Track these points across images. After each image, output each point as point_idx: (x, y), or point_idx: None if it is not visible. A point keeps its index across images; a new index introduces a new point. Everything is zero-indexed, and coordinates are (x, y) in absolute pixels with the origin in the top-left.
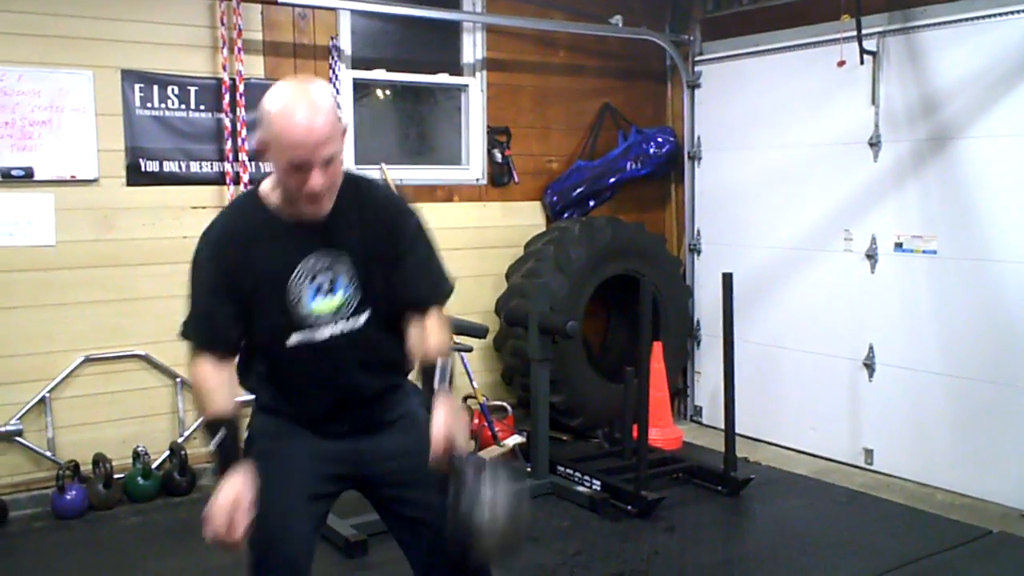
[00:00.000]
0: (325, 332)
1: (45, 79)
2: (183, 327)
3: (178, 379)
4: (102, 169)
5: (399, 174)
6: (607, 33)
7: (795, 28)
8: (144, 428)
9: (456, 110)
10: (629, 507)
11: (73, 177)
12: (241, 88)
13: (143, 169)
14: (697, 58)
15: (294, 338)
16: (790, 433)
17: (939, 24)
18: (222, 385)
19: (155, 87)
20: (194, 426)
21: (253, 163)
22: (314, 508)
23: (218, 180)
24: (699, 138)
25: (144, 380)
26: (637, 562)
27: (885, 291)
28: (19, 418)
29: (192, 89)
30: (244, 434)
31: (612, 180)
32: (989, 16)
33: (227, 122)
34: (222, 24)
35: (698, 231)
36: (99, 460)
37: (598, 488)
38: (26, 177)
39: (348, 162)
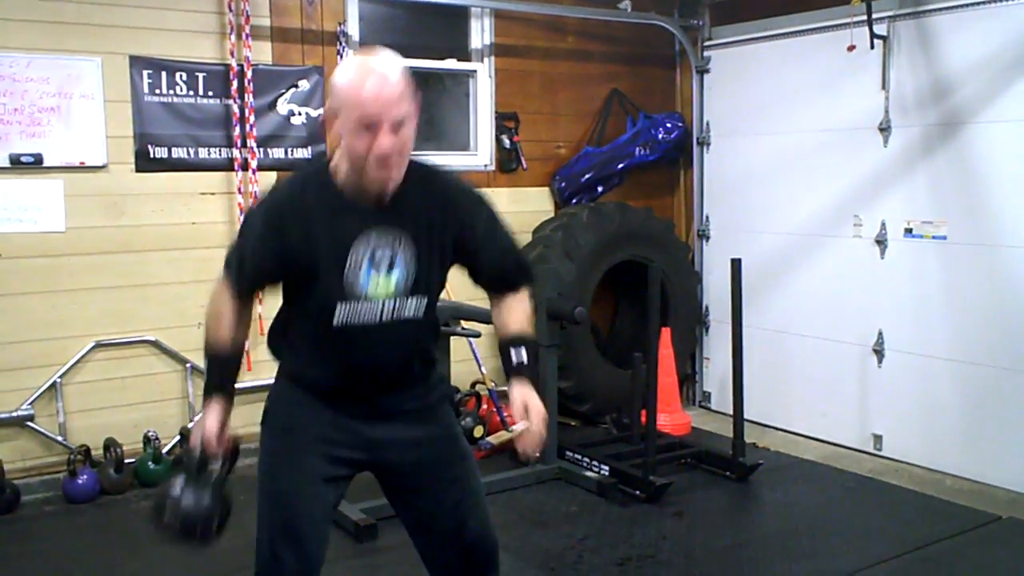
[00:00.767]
0: (374, 310)
1: (54, 66)
2: (228, 260)
3: (188, 364)
4: (111, 155)
5: None
6: (615, 18)
7: (805, 12)
8: (155, 413)
9: (464, 96)
10: (637, 492)
11: (82, 163)
12: (249, 74)
13: (152, 155)
14: (706, 43)
15: (342, 312)
16: (799, 419)
17: (950, 8)
18: (233, 321)
19: (163, 73)
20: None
21: (261, 149)
22: (327, 492)
23: (227, 166)
24: (708, 123)
25: (154, 365)
26: (645, 547)
27: (894, 277)
28: (30, 403)
29: (200, 75)
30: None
31: (620, 166)
32: (1000, 0)
33: (235, 108)
34: (230, 10)
35: (707, 217)
36: (110, 445)
37: (606, 473)
38: (35, 163)
39: None
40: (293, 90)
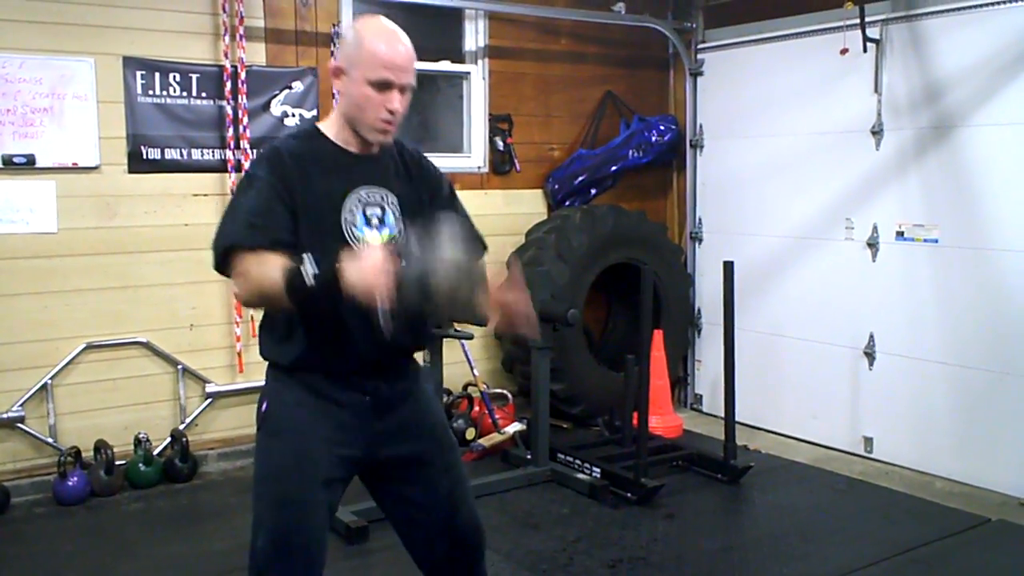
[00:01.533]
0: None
1: (47, 66)
2: (225, 236)
3: (180, 366)
4: (104, 156)
5: None
6: (609, 20)
7: (798, 15)
8: (145, 415)
9: (458, 98)
10: (629, 494)
11: (75, 164)
12: (243, 75)
13: (145, 156)
14: (699, 46)
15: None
16: (790, 421)
17: (942, 12)
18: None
19: (157, 74)
20: (196, 413)
21: (255, 151)
22: (327, 496)
23: (220, 168)
24: (701, 126)
25: (145, 367)
26: (636, 549)
27: (886, 280)
28: (21, 404)
29: (194, 76)
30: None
31: (614, 168)
32: (993, 4)
33: (229, 109)
34: (224, 11)
35: (700, 219)
36: (101, 446)
37: (598, 475)
38: (28, 164)
39: None
40: (287, 91)
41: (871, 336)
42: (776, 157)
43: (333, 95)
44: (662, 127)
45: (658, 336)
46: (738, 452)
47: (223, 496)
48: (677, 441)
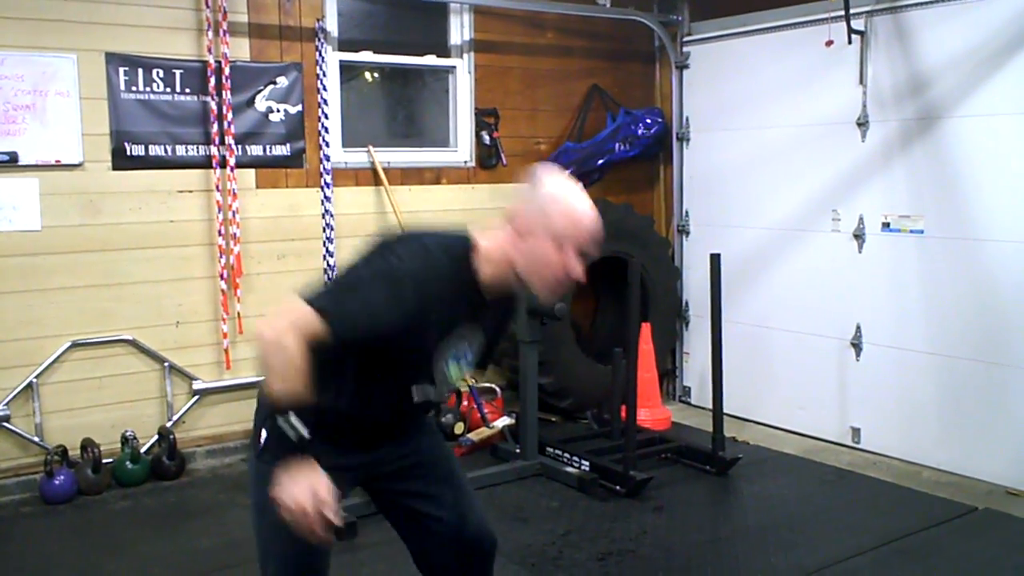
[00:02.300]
0: (444, 392)
1: (28, 63)
2: (328, 301)
3: (166, 363)
4: (87, 153)
5: (387, 156)
6: (595, 14)
7: (783, 8)
8: (132, 413)
9: (444, 92)
10: (618, 487)
11: (58, 162)
12: (227, 71)
13: (128, 153)
14: (685, 39)
15: (417, 392)
16: (778, 413)
17: (926, 3)
18: (306, 372)
19: (140, 70)
20: (183, 410)
21: (240, 146)
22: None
23: (204, 163)
24: (687, 119)
25: (132, 365)
26: (626, 541)
27: (872, 271)
28: (6, 404)
29: (177, 72)
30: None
31: (600, 161)
32: None
33: (213, 105)
34: (207, 6)
35: (686, 212)
36: (87, 445)
37: (587, 468)
38: (10, 162)
39: (336, 148)
40: (271, 87)
41: (858, 327)
42: (762, 149)
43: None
44: (648, 120)
45: (646, 329)
46: (726, 444)
47: (211, 493)
48: (665, 433)
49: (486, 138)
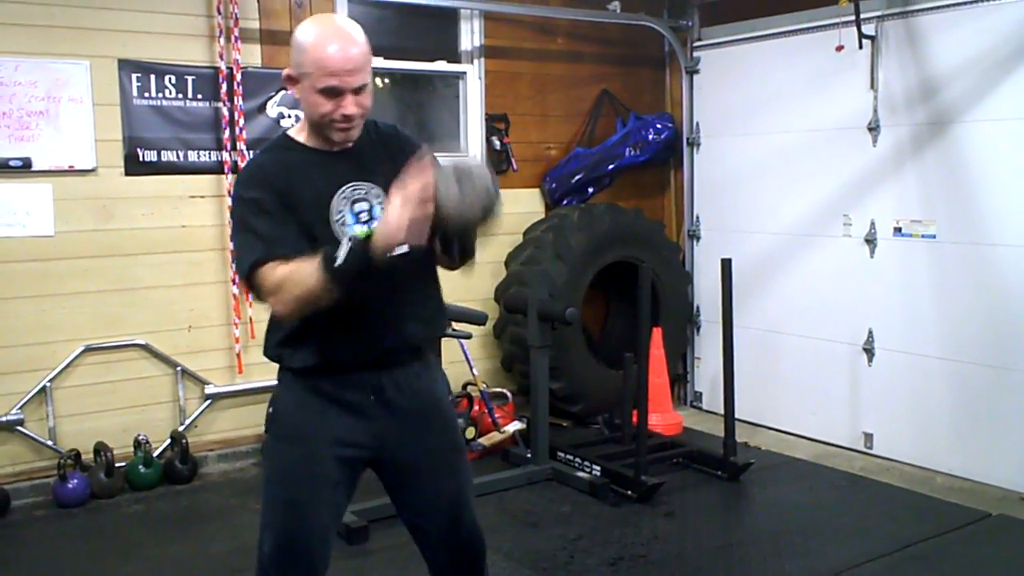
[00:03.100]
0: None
1: (42, 69)
2: (247, 258)
3: (178, 368)
4: (100, 159)
5: None
6: (605, 19)
7: (793, 13)
8: (145, 417)
9: (454, 98)
10: (629, 492)
11: (71, 167)
12: (238, 77)
13: (141, 159)
14: (695, 44)
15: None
16: (790, 418)
17: (938, 8)
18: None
19: (152, 76)
20: (195, 414)
21: (251, 152)
22: (332, 497)
23: (216, 169)
24: (698, 124)
25: (144, 369)
26: (637, 547)
27: (884, 276)
28: (20, 408)
29: (189, 78)
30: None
31: (611, 167)
32: (988, 0)
33: (225, 111)
34: (219, 13)
35: (697, 217)
36: (100, 449)
37: (598, 473)
38: (24, 167)
39: None
40: (283, 93)
41: (870, 332)
42: (773, 154)
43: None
44: (659, 125)
45: (657, 334)
46: (738, 449)
47: (223, 497)
48: (677, 439)
49: (496, 143)
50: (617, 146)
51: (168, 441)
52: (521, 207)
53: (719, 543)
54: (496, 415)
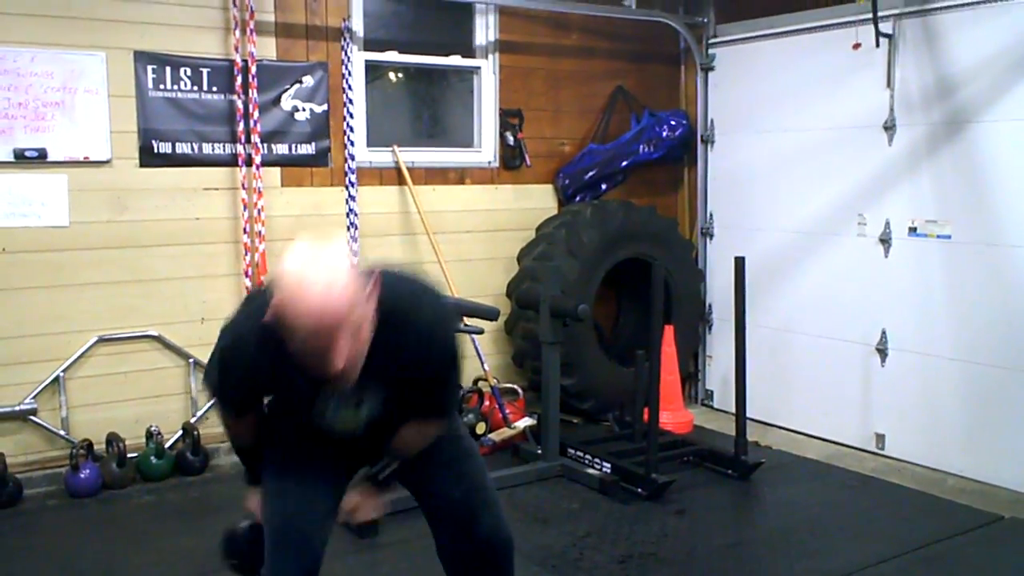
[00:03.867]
0: (347, 434)
1: (58, 60)
2: (215, 391)
3: (191, 359)
4: (115, 150)
5: (411, 156)
6: (620, 15)
7: (810, 10)
8: (157, 408)
9: (468, 92)
10: (639, 490)
11: (86, 158)
12: (253, 70)
13: (156, 151)
14: (711, 40)
15: (316, 428)
16: (801, 417)
17: (956, 6)
18: (250, 426)
19: (168, 68)
20: (207, 406)
21: (265, 144)
22: (336, 484)
23: (231, 162)
24: (712, 121)
25: (157, 360)
26: (647, 544)
27: (898, 276)
28: (33, 397)
29: (205, 71)
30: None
31: (624, 163)
32: None
33: (239, 104)
34: (234, 5)
35: (711, 215)
36: (112, 439)
37: (608, 471)
38: (40, 158)
39: (361, 147)
40: (297, 86)
41: (883, 332)
42: (788, 152)
43: None
44: (673, 122)
45: (669, 331)
46: (749, 448)
47: (234, 489)
48: (688, 437)
49: (510, 139)
50: (631, 143)
51: (180, 432)
52: (534, 203)
53: (729, 542)
54: (507, 411)
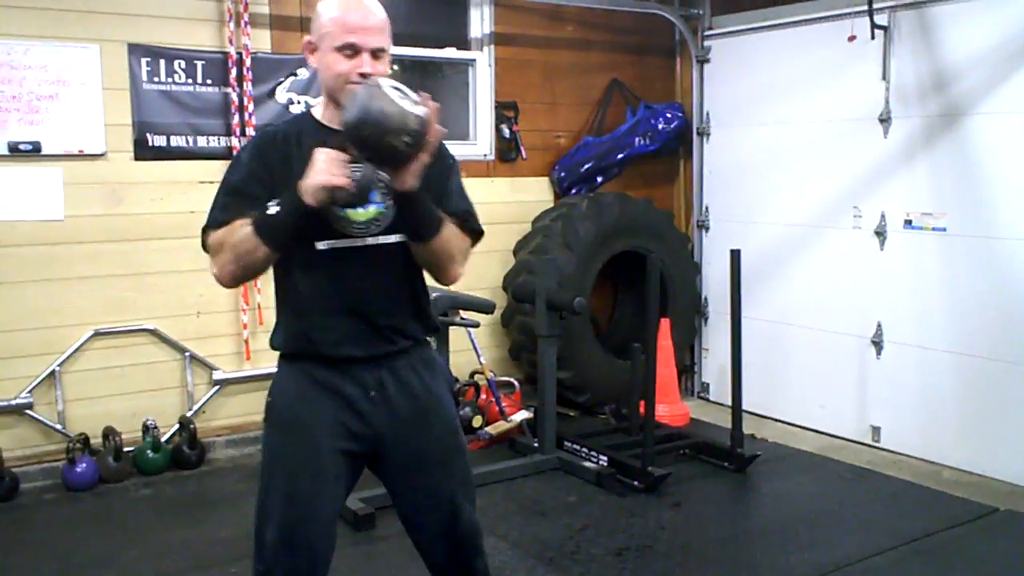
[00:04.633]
0: (356, 241)
1: (52, 53)
2: (208, 218)
3: (187, 353)
4: (109, 143)
5: None
6: (616, 7)
7: (806, 2)
8: (153, 402)
9: (464, 85)
10: (636, 483)
11: (81, 152)
12: (248, 62)
13: (150, 144)
14: (706, 32)
15: (324, 242)
16: (797, 410)
17: None
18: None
19: (162, 61)
20: (203, 400)
21: None
22: (334, 489)
23: (225, 155)
24: (708, 114)
25: (153, 354)
26: (643, 537)
27: (894, 269)
28: (29, 391)
29: (199, 63)
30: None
31: (620, 156)
32: None
33: (234, 96)
34: None
35: (706, 207)
36: (109, 433)
37: (605, 464)
38: (34, 151)
39: None
40: (292, 78)
41: (879, 325)
42: (783, 145)
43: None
44: (669, 115)
45: (665, 324)
46: (745, 441)
47: (231, 483)
48: (684, 429)
49: (506, 131)
50: (627, 135)
51: (176, 426)
52: (530, 196)
53: (725, 534)
54: (503, 404)
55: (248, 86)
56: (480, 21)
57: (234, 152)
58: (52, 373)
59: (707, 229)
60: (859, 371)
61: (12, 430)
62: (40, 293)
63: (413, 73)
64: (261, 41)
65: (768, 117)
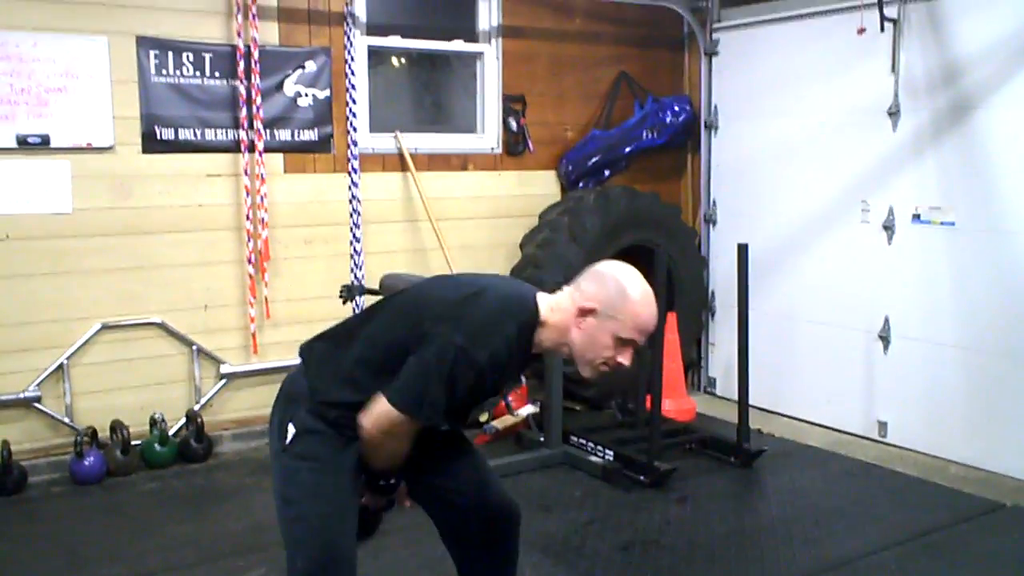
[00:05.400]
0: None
1: (61, 45)
2: (416, 405)
3: (194, 346)
4: (118, 136)
5: (414, 142)
6: (623, 0)
7: None
8: (161, 395)
9: (471, 77)
10: (642, 477)
11: (89, 145)
12: (256, 55)
13: (158, 137)
14: (715, 25)
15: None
16: (804, 405)
17: None
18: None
19: (170, 54)
20: (210, 393)
21: (268, 131)
22: (357, 504)
23: (233, 148)
24: (716, 107)
25: (161, 347)
26: (649, 532)
27: (902, 263)
28: (37, 385)
29: (207, 56)
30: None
31: (628, 149)
32: None
33: (242, 89)
34: None
35: (714, 201)
36: (116, 426)
37: (611, 458)
38: (42, 144)
39: (363, 133)
40: (300, 71)
41: (886, 320)
42: (791, 138)
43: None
44: (676, 108)
45: (672, 319)
46: (751, 436)
47: (238, 476)
48: (690, 424)
49: (513, 124)
50: (634, 129)
51: (183, 420)
52: (537, 189)
53: (731, 529)
54: (510, 398)
55: (256, 79)
56: (488, 14)
57: (247, 146)
58: (60, 366)
59: (714, 223)
60: (866, 366)
61: (20, 423)
62: (48, 286)
63: (421, 66)
64: (269, 34)
65: (776, 110)
